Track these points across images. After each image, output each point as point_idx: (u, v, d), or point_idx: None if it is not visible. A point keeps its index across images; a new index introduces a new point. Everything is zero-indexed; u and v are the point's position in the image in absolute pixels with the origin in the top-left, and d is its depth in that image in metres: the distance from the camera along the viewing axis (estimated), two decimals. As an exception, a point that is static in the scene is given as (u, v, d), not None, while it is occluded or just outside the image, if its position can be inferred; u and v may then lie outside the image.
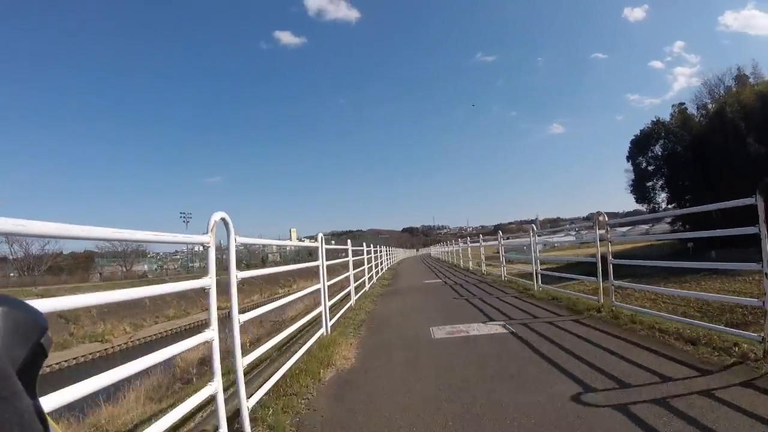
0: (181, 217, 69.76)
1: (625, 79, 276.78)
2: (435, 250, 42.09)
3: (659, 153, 33.34)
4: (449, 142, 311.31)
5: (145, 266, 60.18)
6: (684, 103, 35.13)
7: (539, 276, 8.58)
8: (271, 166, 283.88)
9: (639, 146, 34.99)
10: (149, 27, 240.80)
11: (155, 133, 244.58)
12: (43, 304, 1.39)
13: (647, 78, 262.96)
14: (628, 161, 36.29)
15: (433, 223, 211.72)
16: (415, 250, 60.60)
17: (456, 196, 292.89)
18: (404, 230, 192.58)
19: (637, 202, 36.45)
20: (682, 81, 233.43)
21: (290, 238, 49.72)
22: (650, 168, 34.23)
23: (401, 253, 37.34)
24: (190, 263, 65.26)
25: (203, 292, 2.38)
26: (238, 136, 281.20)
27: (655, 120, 34.57)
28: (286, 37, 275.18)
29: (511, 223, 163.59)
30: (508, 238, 20.03)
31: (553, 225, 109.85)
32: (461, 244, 21.72)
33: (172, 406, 2.72)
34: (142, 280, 43.68)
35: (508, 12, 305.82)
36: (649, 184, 34.43)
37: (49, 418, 0.41)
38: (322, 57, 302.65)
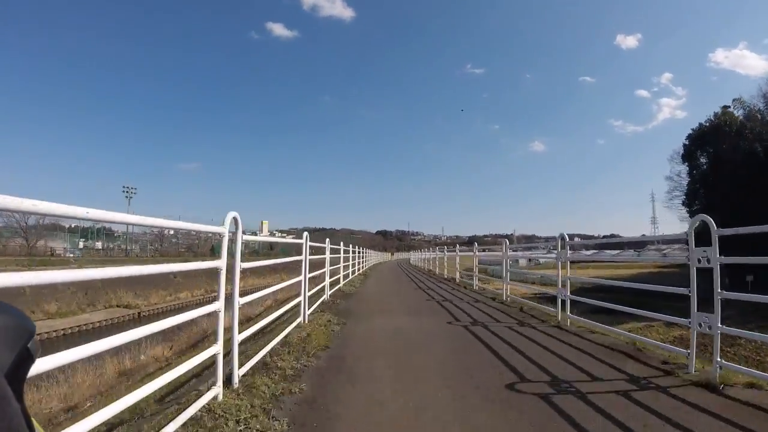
0: (123, 191, 61.17)
1: (610, 104, 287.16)
2: (415, 257, 37.89)
3: (723, 153, 24.80)
4: (430, 150, 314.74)
5: (66, 244, 48.96)
6: (729, 105, 27.48)
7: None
8: (248, 156, 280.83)
9: (701, 142, 26.73)
10: (134, 7, 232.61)
11: (129, 112, 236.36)
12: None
13: (632, 106, 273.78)
14: (684, 162, 27.95)
15: (408, 228, 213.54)
16: (389, 254, 58.30)
17: (432, 203, 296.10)
18: (378, 233, 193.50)
19: (692, 215, 27.92)
20: (666, 112, 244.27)
21: (261, 230, 48.97)
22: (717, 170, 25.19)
23: (373, 256, 32.77)
24: (128, 246, 56.40)
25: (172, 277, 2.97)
26: (220, 123, 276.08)
27: (720, 111, 26.50)
28: (278, 29, 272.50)
29: (486, 236, 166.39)
30: (484, 251, 18.81)
31: (528, 241, 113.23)
32: (447, 252, 20.08)
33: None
34: (46, 258, 33.67)
35: (501, 26, 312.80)
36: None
37: (34, 421, 0.43)
38: (312, 53, 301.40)
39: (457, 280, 15.61)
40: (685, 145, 28.09)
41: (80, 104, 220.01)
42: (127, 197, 60.86)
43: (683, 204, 28.85)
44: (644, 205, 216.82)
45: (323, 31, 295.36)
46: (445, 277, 18.12)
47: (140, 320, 20.38)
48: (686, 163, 28.26)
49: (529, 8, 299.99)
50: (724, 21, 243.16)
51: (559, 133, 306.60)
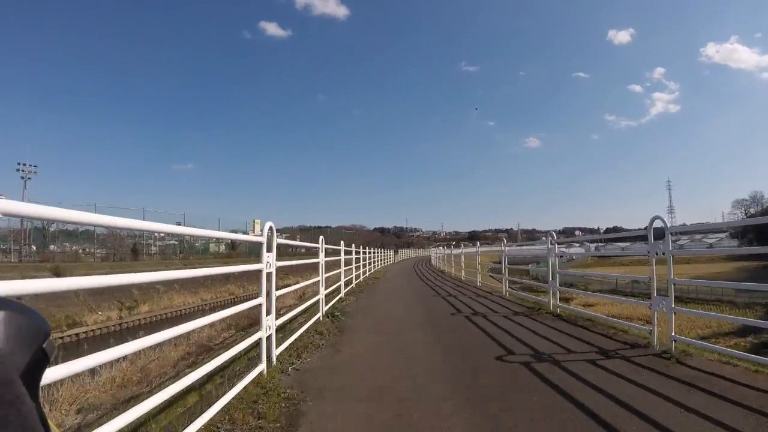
0: (18, 169, 44.90)
1: (604, 99, 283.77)
2: (437, 253, 29.95)
3: None
4: (426, 146, 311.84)
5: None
6: None
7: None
8: (241, 157, 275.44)
9: None
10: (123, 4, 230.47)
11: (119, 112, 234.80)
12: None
13: (626, 100, 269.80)
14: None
15: (406, 224, 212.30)
16: (392, 251, 50.42)
17: (429, 199, 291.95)
18: (376, 229, 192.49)
19: None
20: (659, 106, 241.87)
21: (253, 230, 47.38)
22: None
23: (381, 257, 24.93)
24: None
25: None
26: (213, 124, 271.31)
27: None
28: (271, 29, 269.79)
29: (486, 231, 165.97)
30: (482, 246, 15.75)
31: (530, 236, 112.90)
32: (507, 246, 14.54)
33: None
34: None
35: (494, 24, 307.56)
36: None
37: (50, 421, 0.44)
38: (307, 52, 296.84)
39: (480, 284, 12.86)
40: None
41: (72, 108, 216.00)
42: (22, 178, 43.97)
43: None
44: (645, 196, 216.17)
45: (317, 30, 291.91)
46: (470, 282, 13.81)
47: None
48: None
49: (522, 6, 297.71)
50: (715, 15, 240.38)
51: (554, 129, 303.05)
